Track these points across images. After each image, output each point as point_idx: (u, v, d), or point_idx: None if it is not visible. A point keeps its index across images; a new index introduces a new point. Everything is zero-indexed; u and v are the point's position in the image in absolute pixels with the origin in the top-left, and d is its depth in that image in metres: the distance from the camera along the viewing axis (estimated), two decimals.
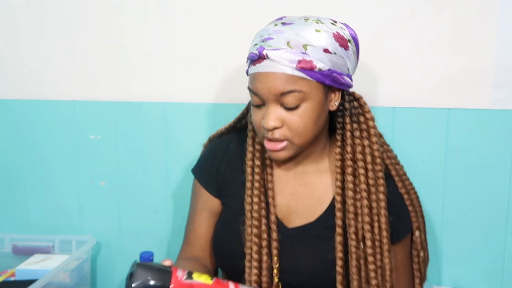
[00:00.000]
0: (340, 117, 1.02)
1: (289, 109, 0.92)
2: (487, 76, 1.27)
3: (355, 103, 1.02)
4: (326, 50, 0.91)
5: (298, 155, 1.02)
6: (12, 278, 1.27)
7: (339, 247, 0.97)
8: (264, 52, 0.90)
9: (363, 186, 0.99)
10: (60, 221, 1.45)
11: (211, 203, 1.12)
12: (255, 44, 0.95)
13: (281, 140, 0.94)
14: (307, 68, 0.90)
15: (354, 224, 0.98)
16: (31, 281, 1.15)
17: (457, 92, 1.28)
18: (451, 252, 1.34)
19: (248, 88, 0.96)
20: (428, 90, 1.29)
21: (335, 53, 0.93)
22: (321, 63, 0.91)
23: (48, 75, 1.41)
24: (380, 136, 1.08)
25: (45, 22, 1.38)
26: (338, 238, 0.98)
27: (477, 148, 1.30)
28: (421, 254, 1.10)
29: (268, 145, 0.96)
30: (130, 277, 0.78)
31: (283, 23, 0.95)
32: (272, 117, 0.92)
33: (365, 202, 0.98)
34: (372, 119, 1.02)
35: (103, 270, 1.46)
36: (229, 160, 1.10)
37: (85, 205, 1.44)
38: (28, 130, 1.43)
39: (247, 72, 1.00)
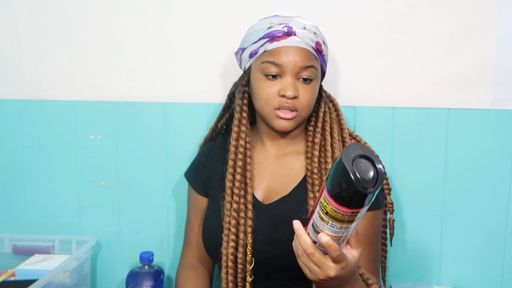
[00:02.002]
0: (316, 102, 1.13)
1: (305, 81, 1.05)
2: (487, 76, 1.27)
3: (326, 94, 1.19)
4: (324, 42, 1.08)
5: (286, 134, 1.13)
6: (12, 278, 1.27)
7: (311, 209, 1.03)
8: (294, 29, 1.03)
9: (329, 151, 1.09)
10: (60, 221, 1.45)
11: (199, 203, 1.21)
12: (270, 27, 1.05)
13: (293, 110, 1.05)
14: (319, 50, 1.06)
15: (319, 184, 1.06)
16: (31, 281, 1.15)
17: (457, 92, 1.29)
18: (451, 252, 1.34)
19: (268, 61, 1.04)
20: (428, 90, 1.29)
21: (327, 47, 1.10)
22: (324, 51, 1.08)
23: (48, 75, 1.40)
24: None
25: (45, 22, 1.38)
26: (311, 202, 1.04)
27: (477, 148, 1.30)
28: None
29: (282, 113, 1.04)
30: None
31: (286, 16, 1.09)
32: (293, 87, 1.03)
33: (330, 166, 1.07)
34: (339, 104, 1.19)
35: (103, 270, 1.45)
36: (214, 154, 1.20)
37: (85, 205, 1.44)
38: (28, 130, 1.43)
39: (252, 53, 1.07)
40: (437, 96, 1.29)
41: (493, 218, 1.32)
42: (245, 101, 1.13)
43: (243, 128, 1.11)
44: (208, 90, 1.36)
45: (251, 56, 1.08)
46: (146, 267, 1.25)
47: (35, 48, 1.40)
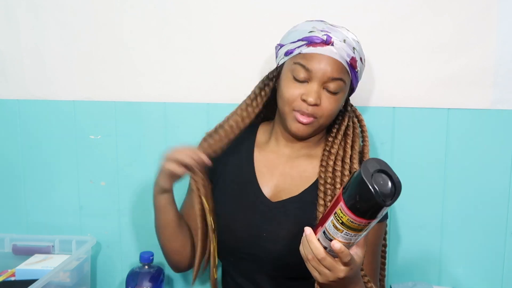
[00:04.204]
0: (340, 115, 1.14)
1: (330, 92, 1.05)
2: (486, 76, 1.27)
3: (351, 108, 1.19)
4: (361, 59, 1.08)
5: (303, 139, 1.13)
6: (12, 278, 1.27)
7: (320, 216, 1.04)
8: (332, 39, 1.03)
9: (347, 164, 1.08)
10: (60, 221, 1.45)
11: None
12: (311, 31, 1.05)
13: (311, 117, 1.05)
14: (353, 66, 1.06)
15: (331, 193, 1.06)
16: (31, 281, 1.15)
17: (456, 92, 1.29)
18: (451, 252, 1.34)
19: (300, 64, 1.04)
20: (428, 90, 1.29)
21: (363, 64, 1.10)
22: (358, 67, 1.08)
23: (48, 75, 1.40)
24: None
25: (45, 22, 1.38)
26: (321, 208, 1.04)
27: (477, 148, 1.30)
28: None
29: (300, 117, 1.05)
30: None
31: (331, 24, 1.08)
32: (317, 95, 1.03)
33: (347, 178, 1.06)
34: (364, 120, 1.17)
35: (103, 270, 1.45)
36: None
37: (85, 205, 1.44)
38: (28, 130, 1.43)
39: (288, 52, 1.07)
40: (437, 96, 1.29)
41: (493, 219, 1.32)
42: (265, 91, 1.15)
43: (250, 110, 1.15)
44: (208, 90, 1.36)
45: (286, 54, 1.08)
46: (146, 267, 1.25)
47: (35, 48, 1.40)
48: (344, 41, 1.04)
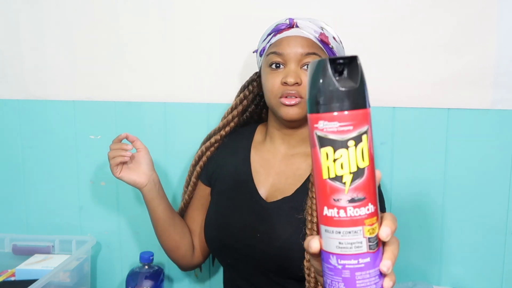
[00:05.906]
0: None
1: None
2: (487, 76, 1.27)
3: None
4: (334, 38, 1.10)
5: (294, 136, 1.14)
6: (12, 278, 1.27)
7: (309, 210, 1.04)
8: (295, 21, 1.08)
9: None
10: (60, 221, 1.45)
11: (201, 190, 1.24)
12: (277, 24, 1.10)
13: (297, 97, 1.05)
14: (325, 41, 1.08)
15: None
16: (31, 281, 1.15)
17: (457, 92, 1.28)
18: (451, 252, 1.34)
19: (271, 52, 1.08)
20: (428, 90, 1.29)
21: (339, 44, 1.12)
22: (332, 44, 1.09)
23: (48, 75, 1.41)
24: None
25: (45, 22, 1.38)
26: (309, 202, 1.04)
27: (477, 148, 1.30)
28: None
29: (286, 100, 1.06)
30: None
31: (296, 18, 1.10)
32: (295, 74, 1.05)
33: None
34: None
35: (103, 270, 1.45)
36: (224, 147, 1.22)
37: (85, 205, 1.44)
38: (28, 130, 1.43)
39: (261, 51, 1.12)
40: (437, 96, 1.29)
41: (493, 218, 1.32)
42: (247, 95, 1.20)
43: (234, 113, 1.20)
44: (208, 90, 1.36)
45: (261, 54, 1.13)
46: (146, 267, 1.25)
47: (35, 48, 1.40)
48: (310, 21, 1.08)
